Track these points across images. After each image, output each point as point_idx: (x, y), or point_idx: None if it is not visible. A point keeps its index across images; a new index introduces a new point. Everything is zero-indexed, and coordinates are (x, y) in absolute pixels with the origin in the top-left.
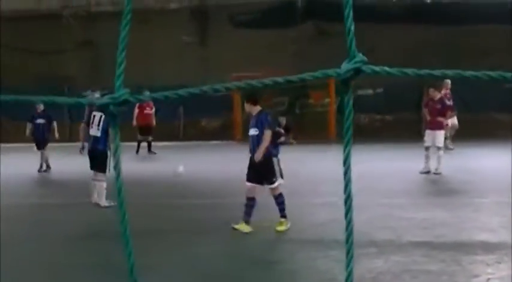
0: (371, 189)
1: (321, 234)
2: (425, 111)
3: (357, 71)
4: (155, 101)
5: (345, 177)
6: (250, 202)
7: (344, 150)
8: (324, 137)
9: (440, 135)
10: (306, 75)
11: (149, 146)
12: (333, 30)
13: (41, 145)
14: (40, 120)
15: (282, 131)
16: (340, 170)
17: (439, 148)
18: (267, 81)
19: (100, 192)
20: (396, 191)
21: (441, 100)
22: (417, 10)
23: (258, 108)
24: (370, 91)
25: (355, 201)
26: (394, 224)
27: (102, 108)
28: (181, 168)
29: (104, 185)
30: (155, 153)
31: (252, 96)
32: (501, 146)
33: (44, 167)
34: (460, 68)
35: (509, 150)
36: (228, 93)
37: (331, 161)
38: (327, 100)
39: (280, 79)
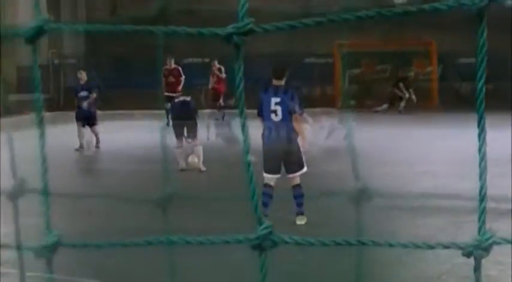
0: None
1: (422, 203)
2: None
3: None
4: (280, 30)
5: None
6: (301, 190)
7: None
8: (428, 107)
9: None
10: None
11: None
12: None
13: (85, 121)
14: (83, 93)
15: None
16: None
17: None
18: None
19: (199, 155)
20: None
21: None
22: None
23: (282, 82)
24: (472, 60)
25: (460, 171)
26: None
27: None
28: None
29: (201, 148)
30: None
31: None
32: None
33: (87, 145)
34: None
35: None
36: (331, 62)
37: (436, 129)
38: (429, 69)
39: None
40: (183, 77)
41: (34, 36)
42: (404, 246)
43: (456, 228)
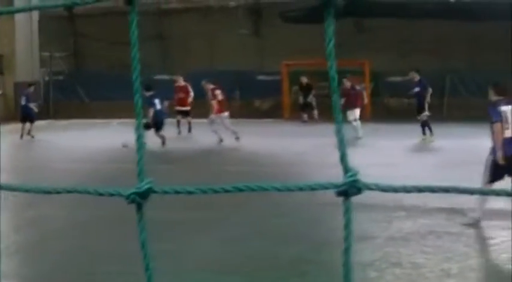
0: (404, 163)
1: (360, 199)
2: None
3: None
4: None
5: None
6: None
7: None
8: (362, 117)
9: None
10: None
11: (189, 126)
12: (369, 25)
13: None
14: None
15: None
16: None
17: None
18: None
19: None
20: (424, 164)
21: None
22: (444, 7)
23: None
24: (399, 78)
25: (385, 174)
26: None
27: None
28: (127, 143)
29: None
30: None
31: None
32: None
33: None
34: (481, 60)
35: None
36: (279, 79)
37: (367, 138)
38: (362, 85)
39: None
40: (192, 92)
41: None
42: (277, 189)
43: (388, 222)
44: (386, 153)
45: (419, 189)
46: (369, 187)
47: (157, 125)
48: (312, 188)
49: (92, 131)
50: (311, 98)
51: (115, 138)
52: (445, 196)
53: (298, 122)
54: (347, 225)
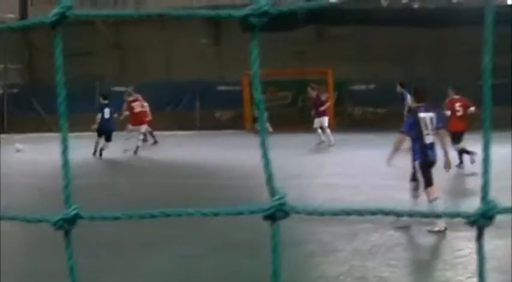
0: (367, 173)
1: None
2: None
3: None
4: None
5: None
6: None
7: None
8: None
9: None
10: None
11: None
12: (331, 33)
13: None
14: None
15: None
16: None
17: None
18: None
19: None
20: (388, 174)
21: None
22: (407, 14)
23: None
24: (363, 87)
25: (352, 184)
26: (388, 204)
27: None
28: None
29: None
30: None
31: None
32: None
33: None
34: (445, 66)
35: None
36: (240, 89)
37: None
38: (326, 94)
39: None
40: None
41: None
42: (204, 214)
43: (353, 235)
44: (352, 162)
45: (347, 212)
46: (296, 210)
47: (105, 133)
48: (239, 213)
49: (47, 145)
50: None
51: (70, 152)
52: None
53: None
54: (274, 250)
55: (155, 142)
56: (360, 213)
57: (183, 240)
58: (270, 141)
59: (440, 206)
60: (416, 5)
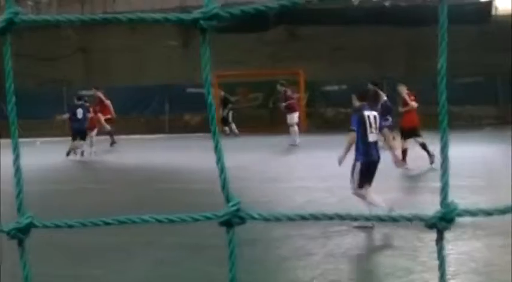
0: (339, 174)
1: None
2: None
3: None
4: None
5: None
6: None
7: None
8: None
9: None
10: None
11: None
12: (303, 33)
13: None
14: None
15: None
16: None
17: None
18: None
19: None
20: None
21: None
22: (378, 13)
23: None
24: (335, 87)
25: (325, 186)
26: (361, 206)
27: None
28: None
29: None
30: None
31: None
32: (456, 136)
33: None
34: (418, 65)
35: (462, 140)
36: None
37: (304, 149)
38: (296, 95)
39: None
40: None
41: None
42: (159, 221)
43: (326, 238)
44: (325, 164)
45: (303, 217)
46: (252, 216)
47: (79, 134)
48: (195, 219)
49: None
50: (226, 113)
51: (39, 158)
52: (385, 209)
53: (230, 136)
54: (231, 256)
55: (113, 143)
56: (316, 217)
57: (158, 246)
58: (241, 144)
59: (380, 210)
60: (387, 3)
